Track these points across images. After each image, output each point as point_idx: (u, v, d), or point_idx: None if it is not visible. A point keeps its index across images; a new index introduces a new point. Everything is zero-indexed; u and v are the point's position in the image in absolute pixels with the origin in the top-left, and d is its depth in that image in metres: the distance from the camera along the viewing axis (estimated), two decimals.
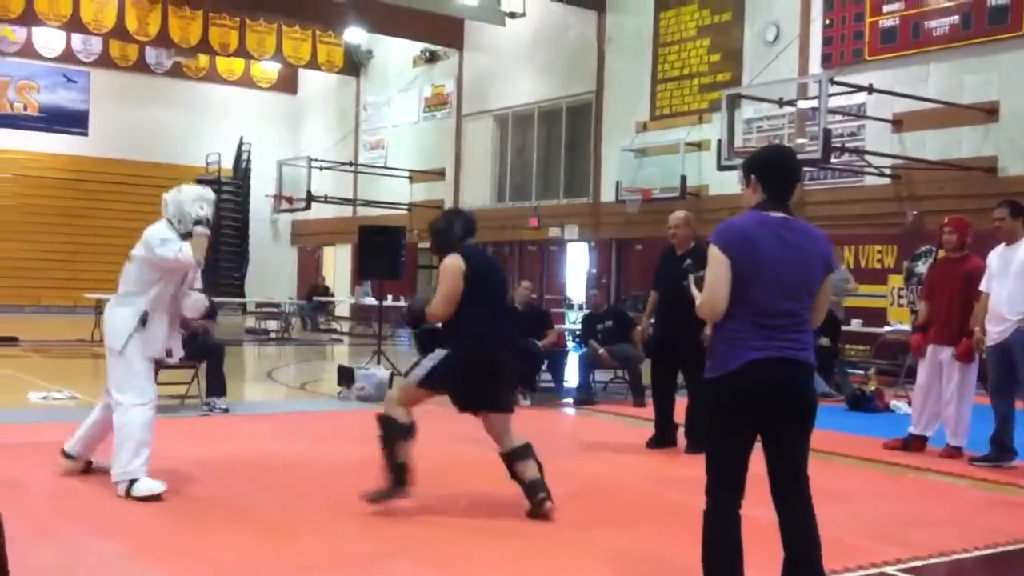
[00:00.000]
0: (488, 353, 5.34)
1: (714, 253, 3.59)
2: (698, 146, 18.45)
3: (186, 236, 5.74)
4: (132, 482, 5.47)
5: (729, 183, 17.17)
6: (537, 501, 5.27)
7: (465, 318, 5.28)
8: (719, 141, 15.19)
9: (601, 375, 11.44)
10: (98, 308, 17.82)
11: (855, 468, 7.21)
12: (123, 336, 5.63)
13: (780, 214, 3.64)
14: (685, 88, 19.26)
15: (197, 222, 5.78)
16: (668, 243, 7.88)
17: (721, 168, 15.23)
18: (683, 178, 18.23)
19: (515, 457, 5.35)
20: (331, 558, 4.44)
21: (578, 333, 12.74)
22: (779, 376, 3.54)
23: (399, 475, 5.29)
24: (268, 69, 29.95)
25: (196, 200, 5.84)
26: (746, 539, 3.57)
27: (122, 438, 5.55)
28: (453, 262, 5.35)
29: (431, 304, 5.40)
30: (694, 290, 3.77)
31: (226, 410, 9.07)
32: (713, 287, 3.59)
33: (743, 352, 3.53)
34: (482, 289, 5.34)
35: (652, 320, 8.07)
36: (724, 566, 3.57)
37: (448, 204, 25.18)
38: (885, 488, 6.63)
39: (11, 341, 15.97)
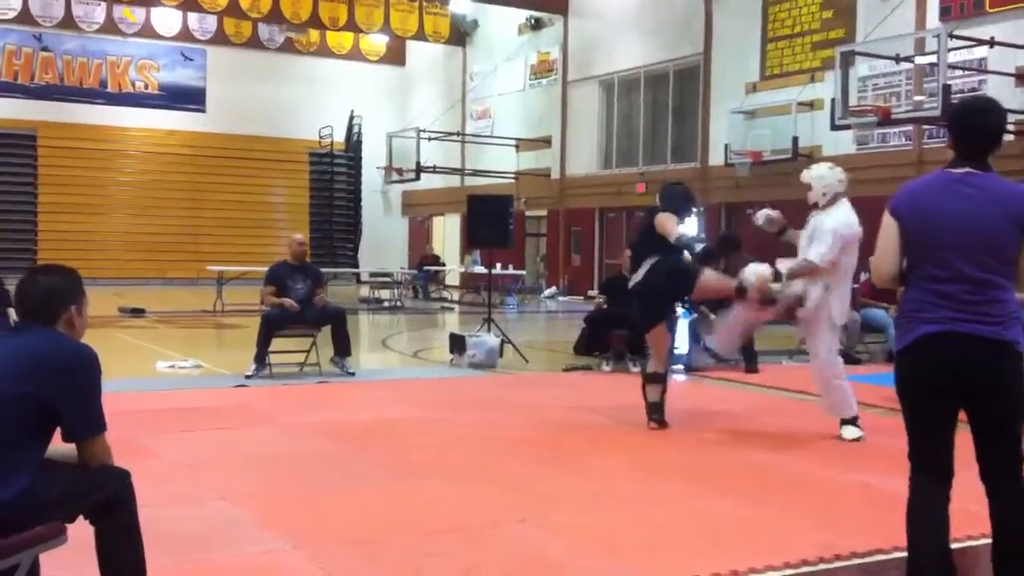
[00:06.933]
0: None
1: (884, 217, 3.40)
2: (810, 106, 18.01)
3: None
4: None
5: (844, 143, 16.75)
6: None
7: None
8: (833, 100, 14.81)
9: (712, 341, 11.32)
10: (220, 280, 18.45)
11: None
12: None
13: (964, 170, 3.28)
14: (796, 46, 18.80)
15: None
16: None
17: (835, 128, 14.88)
18: (795, 139, 17.85)
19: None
20: (447, 524, 4.51)
21: (687, 299, 12.61)
22: (955, 355, 3.22)
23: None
24: (376, 42, 30.31)
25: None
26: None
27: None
28: None
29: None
30: None
31: (352, 373, 9.40)
32: (877, 252, 3.43)
33: (917, 326, 3.29)
34: None
35: None
36: (922, 549, 3.38)
37: (555, 172, 25.20)
38: None
39: (139, 312, 16.67)
